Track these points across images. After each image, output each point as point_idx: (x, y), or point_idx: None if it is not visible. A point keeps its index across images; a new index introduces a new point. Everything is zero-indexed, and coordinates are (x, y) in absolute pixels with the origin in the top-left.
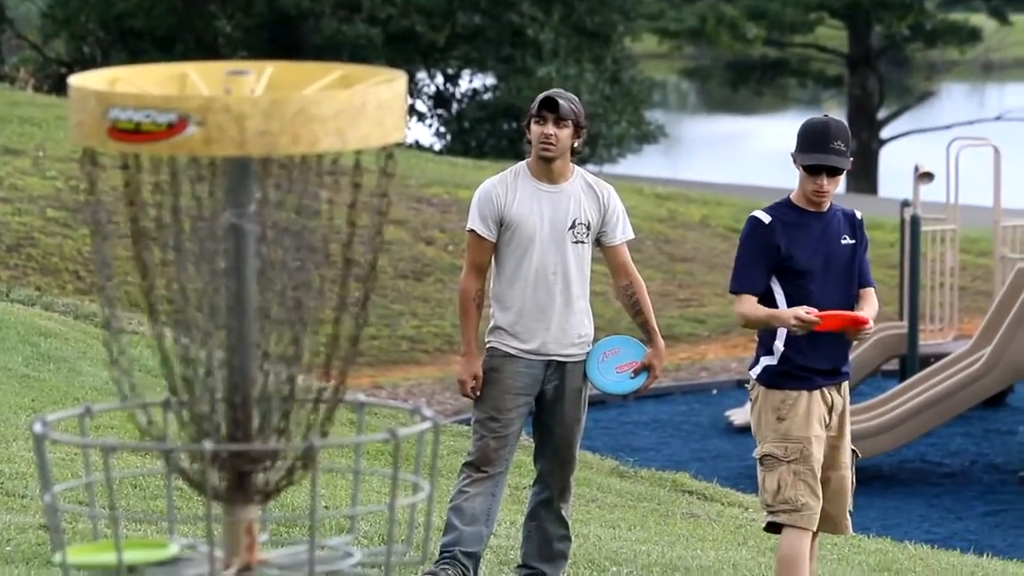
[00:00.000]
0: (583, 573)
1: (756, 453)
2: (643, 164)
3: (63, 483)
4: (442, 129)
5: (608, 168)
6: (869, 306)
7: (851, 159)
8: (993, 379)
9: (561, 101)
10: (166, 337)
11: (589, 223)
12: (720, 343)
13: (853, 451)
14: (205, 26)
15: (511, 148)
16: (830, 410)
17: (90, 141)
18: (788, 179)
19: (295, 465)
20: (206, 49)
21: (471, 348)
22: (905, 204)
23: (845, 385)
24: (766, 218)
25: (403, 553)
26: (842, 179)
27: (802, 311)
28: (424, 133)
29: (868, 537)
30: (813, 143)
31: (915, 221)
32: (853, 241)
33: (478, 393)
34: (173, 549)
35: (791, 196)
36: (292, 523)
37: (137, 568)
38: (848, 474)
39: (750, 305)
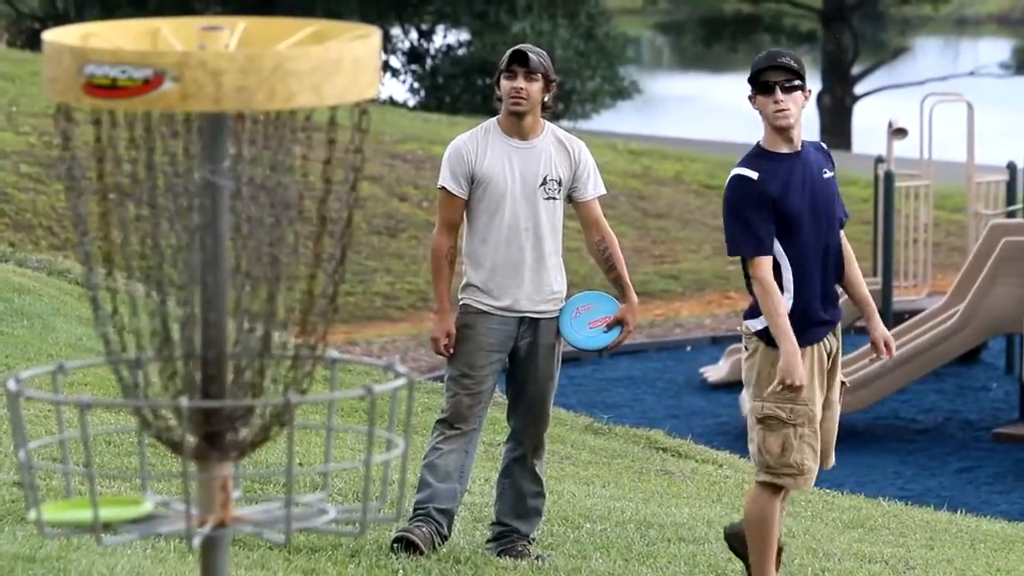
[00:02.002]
0: (557, 530)
1: (757, 412)
2: (617, 120)
3: (37, 440)
4: (416, 85)
5: (582, 124)
6: (852, 264)
7: (807, 86)
8: (967, 335)
9: (531, 55)
10: (136, 293)
11: (560, 179)
12: (694, 300)
13: (842, 383)
14: None
15: (485, 104)
16: (828, 355)
17: (65, 97)
18: (758, 134)
19: (271, 422)
20: (179, 5)
21: (444, 305)
22: (879, 160)
23: (839, 326)
24: (752, 173)
25: (377, 509)
26: (807, 104)
27: (799, 384)
28: (398, 89)
29: (842, 493)
30: (760, 65)
31: (889, 177)
32: (832, 174)
33: (451, 351)
34: (148, 506)
35: (760, 143)
36: (266, 480)
37: (112, 525)
38: (839, 408)
39: (767, 273)
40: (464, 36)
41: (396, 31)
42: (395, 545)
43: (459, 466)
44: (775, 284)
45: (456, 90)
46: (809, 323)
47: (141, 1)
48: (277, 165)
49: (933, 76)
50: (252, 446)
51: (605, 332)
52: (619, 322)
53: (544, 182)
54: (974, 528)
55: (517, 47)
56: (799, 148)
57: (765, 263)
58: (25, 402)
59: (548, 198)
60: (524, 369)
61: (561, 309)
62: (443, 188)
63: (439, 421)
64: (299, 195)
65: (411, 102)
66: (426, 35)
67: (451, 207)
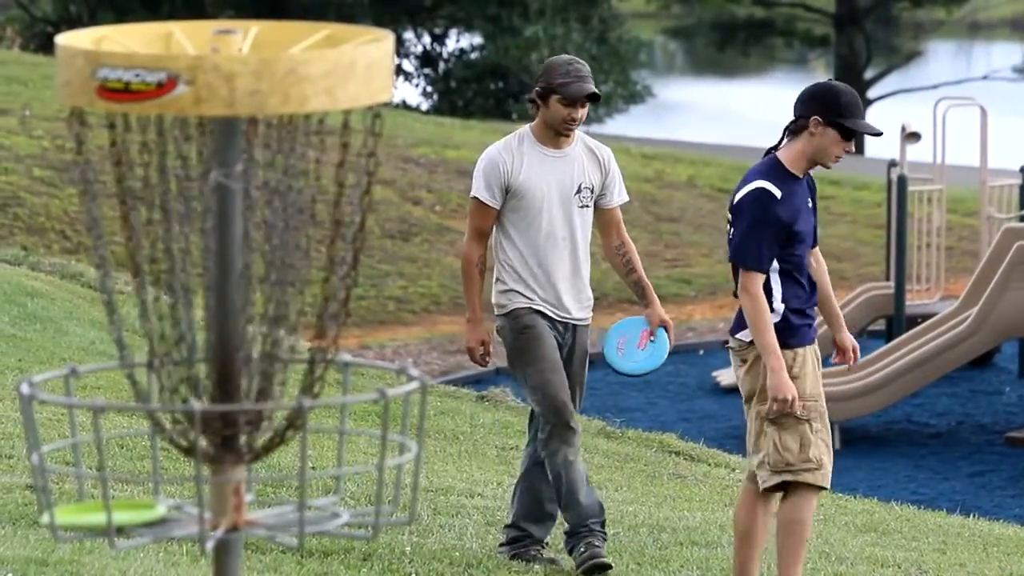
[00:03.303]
0: None
1: (766, 413)
2: (630, 124)
3: (50, 443)
4: (429, 89)
5: (595, 128)
6: (823, 271)
7: None
8: (980, 339)
9: (595, 89)
10: (149, 297)
11: (593, 187)
12: (707, 303)
13: None
14: None
15: (498, 107)
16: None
17: (78, 100)
18: (772, 139)
19: (284, 426)
20: (192, 8)
21: (476, 314)
22: (892, 164)
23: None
24: (776, 192)
25: (390, 513)
26: None
27: (791, 396)
28: (411, 93)
29: (855, 497)
30: (855, 108)
31: (902, 181)
32: (813, 204)
33: (487, 359)
34: (161, 510)
35: (785, 162)
36: (279, 483)
37: (125, 529)
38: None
39: (760, 289)
40: (477, 40)
41: (409, 35)
42: (590, 571)
43: (585, 472)
44: (766, 317)
45: (469, 94)
46: (808, 326)
47: (154, 5)
48: (290, 169)
49: (946, 80)
50: (265, 450)
51: (653, 341)
52: (661, 325)
53: (579, 190)
54: (987, 532)
55: (585, 79)
56: (802, 176)
57: (760, 279)
58: (38, 405)
59: (582, 206)
60: (567, 371)
61: (604, 353)
62: (476, 198)
63: (552, 430)
64: (312, 199)
65: (424, 106)
66: (439, 39)
67: (484, 217)
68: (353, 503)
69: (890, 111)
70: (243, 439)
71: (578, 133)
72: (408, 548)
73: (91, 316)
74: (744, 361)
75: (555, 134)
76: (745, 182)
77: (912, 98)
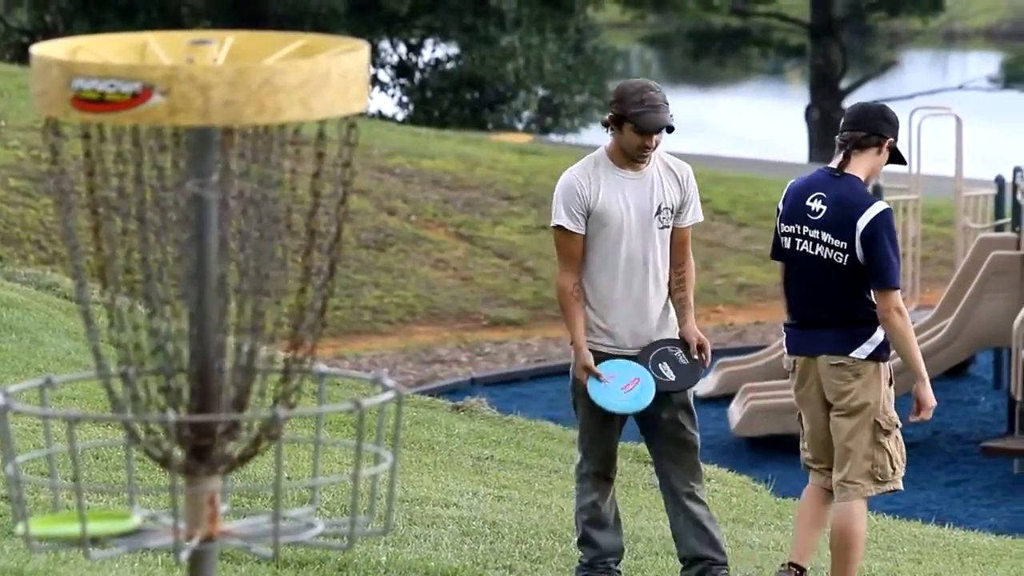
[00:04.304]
0: (545, 544)
1: (885, 425)
2: (605, 134)
3: (25, 454)
4: (405, 99)
5: (571, 138)
6: None
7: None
8: (955, 349)
9: (670, 121)
10: (124, 307)
11: (672, 206)
12: None
13: None
14: None
15: (474, 117)
16: None
17: (53, 111)
18: (749, 150)
19: (259, 436)
20: (169, 18)
21: (579, 342)
22: None
23: None
24: None
25: (365, 524)
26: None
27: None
28: (387, 103)
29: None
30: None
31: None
32: None
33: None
34: (135, 520)
35: (864, 180)
36: (254, 494)
37: (100, 539)
38: None
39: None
40: (453, 50)
41: (385, 45)
42: None
43: (616, 513)
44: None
45: (445, 104)
46: None
47: (130, 15)
48: (265, 179)
49: (921, 90)
50: (240, 460)
51: (639, 391)
52: (693, 346)
53: (659, 211)
54: (962, 542)
55: (667, 122)
56: None
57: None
58: (13, 416)
59: (662, 227)
60: (659, 402)
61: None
62: (559, 227)
63: (586, 475)
64: (287, 209)
65: (400, 116)
66: (415, 49)
67: (570, 244)
68: (328, 513)
69: None
70: (218, 449)
71: (658, 151)
72: (384, 558)
73: (67, 326)
74: (857, 376)
75: (630, 159)
76: (859, 205)
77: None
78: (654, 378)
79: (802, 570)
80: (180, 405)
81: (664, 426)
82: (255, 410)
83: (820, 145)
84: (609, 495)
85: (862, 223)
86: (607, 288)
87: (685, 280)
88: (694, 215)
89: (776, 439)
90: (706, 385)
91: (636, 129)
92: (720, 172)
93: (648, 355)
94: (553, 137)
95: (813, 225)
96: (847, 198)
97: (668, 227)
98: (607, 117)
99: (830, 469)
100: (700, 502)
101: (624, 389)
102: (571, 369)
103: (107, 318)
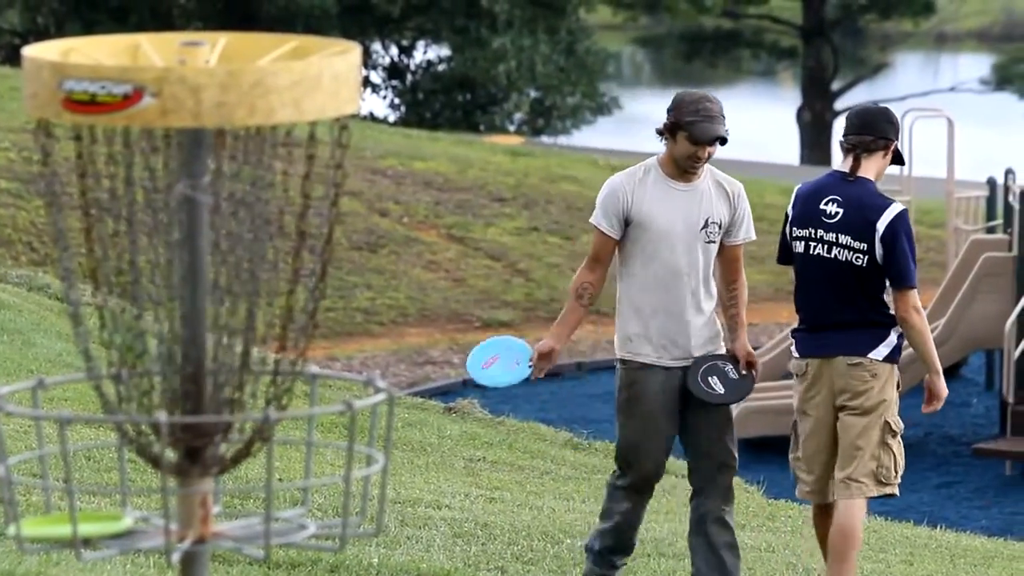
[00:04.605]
0: (537, 546)
1: (895, 427)
2: (597, 136)
3: (17, 455)
4: (396, 100)
5: (562, 139)
6: None
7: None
8: (947, 351)
9: (725, 132)
10: (115, 308)
11: (721, 222)
12: None
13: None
14: None
15: (465, 119)
16: None
17: (44, 112)
18: (741, 151)
19: (251, 437)
20: (160, 20)
21: (562, 332)
22: None
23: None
24: None
25: (357, 525)
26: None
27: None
28: (379, 105)
29: None
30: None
31: None
32: None
33: (541, 372)
34: (127, 522)
35: (874, 180)
36: (246, 495)
37: (92, 541)
38: None
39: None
40: (444, 52)
41: (377, 47)
42: None
43: (636, 522)
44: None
45: (436, 106)
46: None
47: (122, 17)
48: (257, 181)
49: (913, 92)
50: (232, 462)
51: (516, 368)
52: (743, 361)
53: (706, 225)
54: (954, 543)
55: (721, 133)
56: None
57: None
58: (5, 417)
59: (709, 241)
60: (699, 416)
61: (469, 363)
62: (596, 226)
63: (620, 485)
64: (279, 211)
65: (391, 118)
66: (406, 51)
67: (601, 245)
68: (320, 515)
69: None
70: (210, 451)
71: (707, 166)
72: (375, 560)
73: (58, 328)
74: (874, 376)
75: (681, 169)
76: (876, 206)
77: None
78: (705, 391)
79: None
80: (172, 406)
81: (705, 444)
82: (247, 412)
83: (812, 147)
84: (642, 513)
85: (881, 224)
86: (645, 296)
87: (737, 297)
88: (747, 232)
89: (769, 441)
90: None
91: (690, 138)
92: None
93: (698, 368)
94: (545, 139)
95: (829, 228)
96: (864, 200)
97: (715, 242)
98: (661, 125)
99: (821, 479)
100: (726, 527)
101: (511, 368)
102: (617, 378)
103: (98, 319)
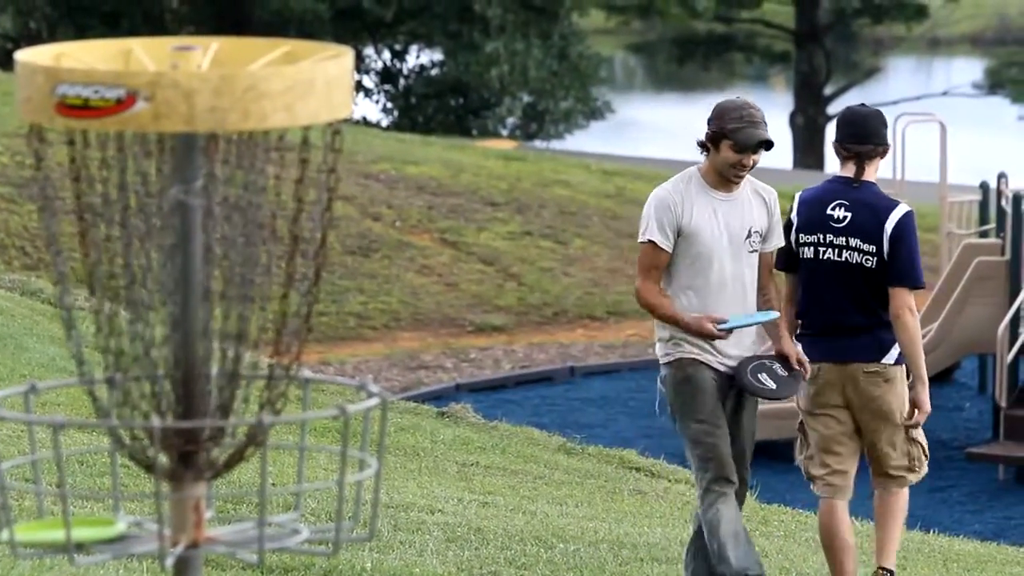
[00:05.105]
0: (530, 550)
1: (906, 422)
2: (590, 140)
3: (10, 460)
4: (389, 105)
5: (555, 144)
6: None
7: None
8: (940, 355)
9: (768, 136)
10: (109, 313)
11: (762, 230)
12: None
13: None
14: (152, 2)
15: (458, 124)
16: None
17: (37, 117)
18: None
19: (244, 442)
20: (153, 25)
21: (685, 316)
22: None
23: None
24: None
25: (350, 530)
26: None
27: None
28: (371, 109)
29: (815, 513)
30: None
31: None
32: None
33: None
34: (120, 527)
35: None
36: (239, 500)
37: (85, 546)
38: None
39: None
40: (437, 56)
41: (369, 51)
42: None
43: (745, 529)
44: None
45: (429, 110)
46: None
47: (114, 21)
48: (250, 185)
49: (906, 96)
50: (225, 466)
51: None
52: (789, 358)
53: (750, 234)
54: (947, 548)
55: (764, 136)
56: None
57: None
58: None
59: (752, 251)
60: (732, 424)
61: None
62: (651, 242)
63: (709, 484)
64: (272, 215)
65: (384, 122)
66: (399, 55)
67: (656, 259)
68: (313, 519)
69: None
70: (203, 455)
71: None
72: (369, 564)
73: (51, 332)
74: (887, 381)
75: (724, 179)
76: (885, 207)
77: None
78: (755, 386)
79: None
80: (165, 411)
81: (739, 445)
82: (240, 416)
83: (804, 151)
84: (733, 501)
85: (890, 224)
86: (695, 307)
87: (772, 302)
88: (777, 240)
89: (761, 445)
90: None
91: (734, 146)
92: None
93: (746, 367)
94: (538, 143)
95: (838, 232)
96: (872, 202)
97: (757, 251)
98: (703, 137)
99: (840, 472)
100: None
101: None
102: (662, 377)
103: (93, 324)
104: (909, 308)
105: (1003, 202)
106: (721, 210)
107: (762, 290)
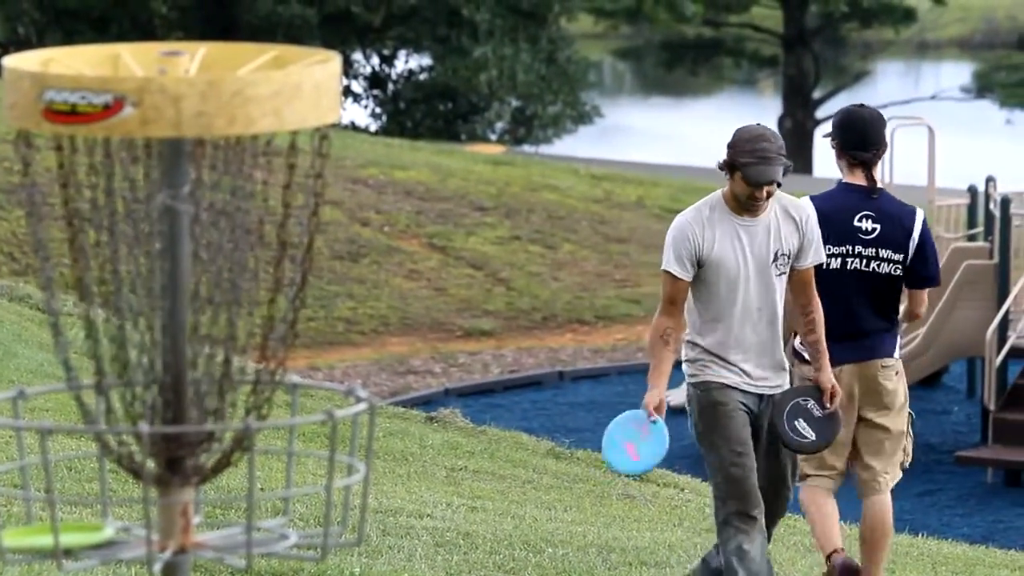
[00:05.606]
0: (519, 555)
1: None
2: (579, 145)
3: None
4: (378, 110)
5: (543, 148)
6: None
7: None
8: (928, 359)
9: (781, 178)
10: (97, 318)
11: (790, 252)
12: None
13: None
14: (140, 7)
15: (447, 128)
16: None
17: (25, 123)
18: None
19: (231, 447)
20: (141, 30)
21: (659, 383)
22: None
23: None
24: None
25: (339, 535)
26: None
27: None
28: (360, 114)
29: (803, 518)
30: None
31: None
32: None
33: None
34: (108, 532)
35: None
36: (227, 505)
37: (73, 551)
38: None
39: None
40: (426, 61)
41: (358, 56)
42: None
43: (765, 554)
44: None
45: (418, 115)
46: None
47: (102, 26)
48: (237, 190)
49: (894, 100)
50: (213, 471)
51: (652, 435)
52: (824, 393)
53: (775, 258)
54: (935, 551)
55: (775, 177)
56: None
57: None
58: None
59: (779, 274)
60: (765, 445)
61: (606, 444)
62: (668, 272)
63: (728, 516)
64: (260, 220)
65: (373, 127)
66: (388, 60)
67: (676, 289)
68: (302, 524)
69: None
70: (191, 461)
71: (776, 193)
72: (357, 569)
73: (39, 338)
74: (898, 373)
75: (744, 207)
76: (906, 215)
77: None
78: (794, 440)
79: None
80: (153, 417)
81: (771, 470)
82: (228, 421)
83: (793, 155)
84: (756, 538)
85: (916, 232)
86: (724, 335)
87: (814, 322)
88: (816, 255)
89: None
90: (679, 395)
91: (745, 180)
92: (693, 182)
93: (782, 411)
94: (526, 148)
95: (867, 244)
96: (896, 212)
97: (785, 273)
98: (722, 161)
99: (836, 472)
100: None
101: (642, 439)
102: (688, 395)
103: (83, 329)
104: (925, 303)
105: (991, 206)
106: (744, 235)
107: (804, 308)
